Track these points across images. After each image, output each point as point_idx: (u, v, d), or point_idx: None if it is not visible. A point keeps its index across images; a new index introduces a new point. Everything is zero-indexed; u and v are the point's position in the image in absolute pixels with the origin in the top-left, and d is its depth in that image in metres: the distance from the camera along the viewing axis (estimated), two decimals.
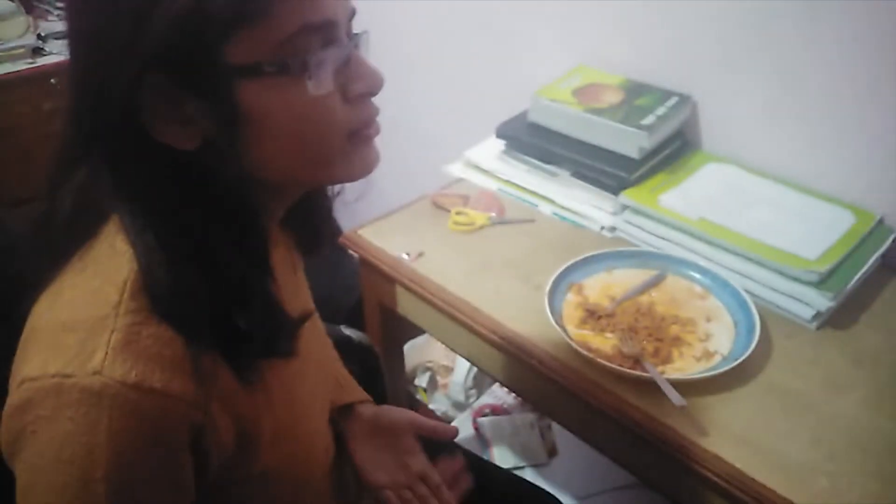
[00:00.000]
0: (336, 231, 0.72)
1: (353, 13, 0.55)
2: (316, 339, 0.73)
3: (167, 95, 0.48)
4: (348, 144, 0.54)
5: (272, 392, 0.59)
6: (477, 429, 1.51)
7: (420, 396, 1.66)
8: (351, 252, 1.09)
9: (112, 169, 0.51)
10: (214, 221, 0.52)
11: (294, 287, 0.69)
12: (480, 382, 1.59)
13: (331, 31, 0.51)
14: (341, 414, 0.85)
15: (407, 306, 1.06)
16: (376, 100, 0.56)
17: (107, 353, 0.48)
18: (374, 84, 0.54)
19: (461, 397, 1.57)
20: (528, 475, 1.40)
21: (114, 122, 0.49)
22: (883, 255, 0.97)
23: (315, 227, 0.70)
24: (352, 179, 0.57)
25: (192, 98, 0.49)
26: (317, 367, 0.71)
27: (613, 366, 0.82)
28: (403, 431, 0.86)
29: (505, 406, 1.54)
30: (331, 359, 0.77)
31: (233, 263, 0.53)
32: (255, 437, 0.57)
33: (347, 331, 1.05)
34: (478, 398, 1.58)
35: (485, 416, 1.53)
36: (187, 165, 0.51)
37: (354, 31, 0.55)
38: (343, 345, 1.04)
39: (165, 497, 0.52)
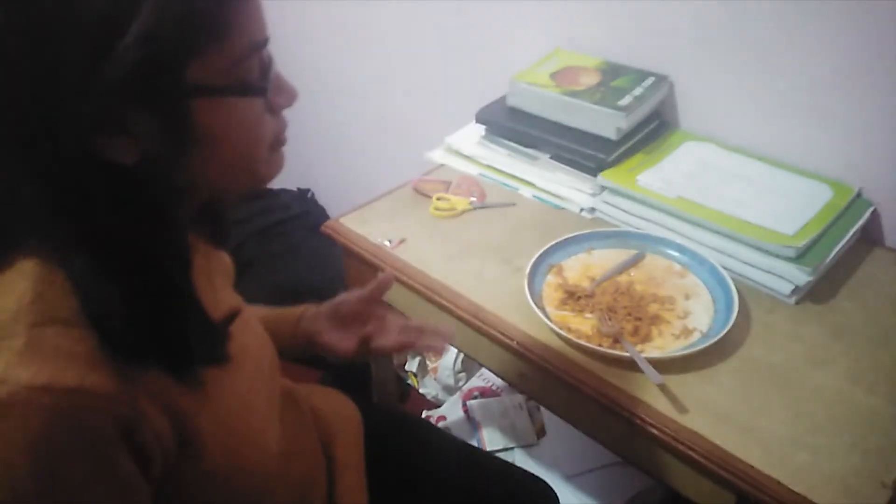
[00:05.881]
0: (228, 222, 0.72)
1: None
2: (250, 332, 0.72)
3: (116, 110, 0.47)
4: (269, 152, 0.58)
5: (207, 389, 0.58)
6: (466, 411, 1.51)
7: (411, 381, 1.67)
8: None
9: (44, 186, 0.49)
10: (145, 236, 0.52)
11: (213, 288, 0.68)
12: (469, 366, 1.60)
13: (264, 49, 0.54)
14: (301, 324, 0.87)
15: (390, 293, 1.05)
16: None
17: (8, 359, 0.46)
18: (293, 97, 0.58)
19: (451, 381, 1.58)
20: (518, 456, 1.41)
21: (60, 145, 0.47)
22: (862, 228, 0.97)
23: (219, 224, 0.69)
24: (264, 185, 0.60)
25: (145, 115, 0.48)
26: (255, 362, 0.70)
27: (592, 346, 0.82)
28: (363, 306, 0.87)
29: (494, 388, 1.55)
30: (269, 347, 0.77)
31: (164, 275, 0.53)
32: (196, 435, 0.56)
33: None
34: (467, 381, 1.59)
35: (474, 398, 1.53)
36: (119, 179, 0.50)
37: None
38: None
39: (114, 500, 0.50)
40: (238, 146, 0.54)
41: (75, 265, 0.50)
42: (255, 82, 0.53)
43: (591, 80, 1.11)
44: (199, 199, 0.59)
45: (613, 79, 1.11)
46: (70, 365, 0.47)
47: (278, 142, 0.58)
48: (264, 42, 0.53)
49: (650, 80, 1.10)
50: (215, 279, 0.69)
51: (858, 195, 1.00)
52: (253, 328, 0.74)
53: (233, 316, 0.63)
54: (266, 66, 0.54)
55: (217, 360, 0.58)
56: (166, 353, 0.53)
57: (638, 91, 1.08)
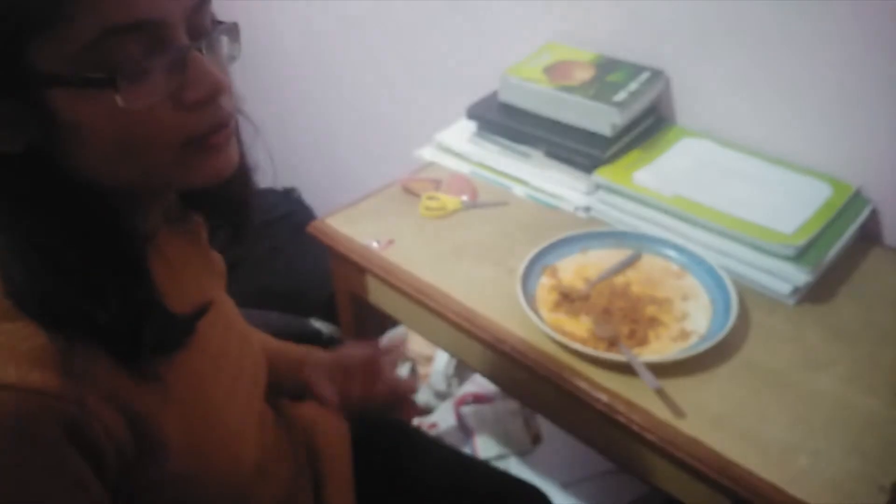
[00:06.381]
0: (250, 222, 0.69)
1: (198, 5, 0.50)
2: (233, 336, 0.70)
3: None
4: (186, 153, 0.51)
5: (173, 390, 0.56)
6: (460, 418, 1.48)
7: None
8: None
9: None
10: (60, 220, 0.49)
11: (193, 278, 0.66)
12: (462, 371, 1.57)
13: (156, 32, 0.47)
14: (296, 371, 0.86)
15: (378, 296, 1.04)
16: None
17: None
18: (211, 91, 0.50)
19: (443, 387, 1.55)
20: (513, 464, 1.38)
21: None
22: (861, 227, 0.95)
23: (229, 218, 0.68)
24: (196, 187, 0.54)
25: (7, 101, 0.46)
26: (235, 368, 0.68)
27: (588, 349, 0.80)
28: (368, 364, 0.86)
29: (488, 394, 1.52)
30: (254, 351, 0.75)
31: (86, 261, 0.50)
32: (159, 439, 0.54)
33: (317, 324, 1.03)
34: (460, 387, 1.56)
35: (467, 404, 1.50)
36: (20, 168, 0.48)
37: (218, 21, 0.51)
38: (312, 339, 1.02)
39: (64, 499, 0.49)
40: (116, 142, 0.48)
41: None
42: (126, 71, 0.46)
43: (585, 74, 1.09)
44: (130, 193, 0.54)
45: (608, 74, 1.09)
46: (10, 363, 0.47)
47: (198, 142, 0.51)
48: (133, 25, 0.46)
49: (646, 75, 1.08)
50: (200, 274, 0.67)
51: (857, 193, 0.98)
52: (238, 333, 0.72)
53: (202, 310, 0.60)
54: (151, 52, 0.47)
55: (166, 348, 0.55)
56: (101, 334, 0.50)
57: (633, 86, 1.05)
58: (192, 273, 0.67)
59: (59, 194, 0.49)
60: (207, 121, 0.51)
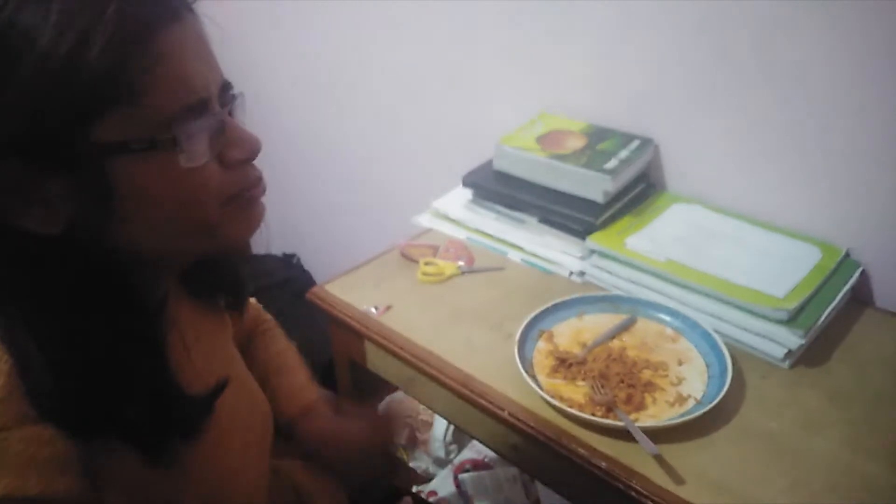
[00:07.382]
0: (244, 286, 0.70)
1: (225, 84, 0.55)
2: (241, 391, 0.69)
3: (24, 178, 0.45)
4: (228, 210, 0.54)
5: (190, 471, 0.55)
6: (458, 486, 1.46)
7: (400, 454, 1.61)
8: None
9: None
10: (89, 307, 0.49)
11: (207, 348, 0.65)
12: (461, 437, 1.55)
13: (204, 104, 0.51)
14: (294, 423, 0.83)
15: (376, 362, 1.04)
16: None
17: None
18: (251, 150, 0.54)
19: (441, 453, 1.53)
20: None
21: None
22: (851, 289, 0.97)
23: (226, 287, 0.68)
24: (233, 244, 0.56)
25: (55, 179, 0.46)
26: (243, 435, 0.67)
27: (585, 415, 0.80)
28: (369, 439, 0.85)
29: (486, 460, 1.50)
30: (261, 404, 0.73)
31: (115, 349, 0.49)
32: None
33: None
34: (458, 453, 1.54)
35: (466, 471, 1.48)
36: (50, 251, 0.47)
37: (232, 93, 0.55)
38: None
39: None
40: (171, 204, 0.50)
41: (20, 347, 0.47)
42: (186, 135, 0.49)
43: (576, 143, 1.12)
44: (152, 259, 0.55)
45: (599, 142, 1.12)
46: (33, 471, 0.45)
47: (238, 197, 0.54)
48: (197, 103, 0.50)
49: (635, 143, 1.11)
50: (214, 341, 0.67)
51: (847, 256, 0.99)
52: (247, 389, 0.71)
53: (219, 388, 0.59)
54: (200, 119, 0.50)
55: (189, 435, 0.54)
56: (129, 432, 0.50)
57: (624, 154, 1.09)
58: (206, 341, 0.66)
59: (88, 276, 0.49)
60: (246, 178, 0.55)
